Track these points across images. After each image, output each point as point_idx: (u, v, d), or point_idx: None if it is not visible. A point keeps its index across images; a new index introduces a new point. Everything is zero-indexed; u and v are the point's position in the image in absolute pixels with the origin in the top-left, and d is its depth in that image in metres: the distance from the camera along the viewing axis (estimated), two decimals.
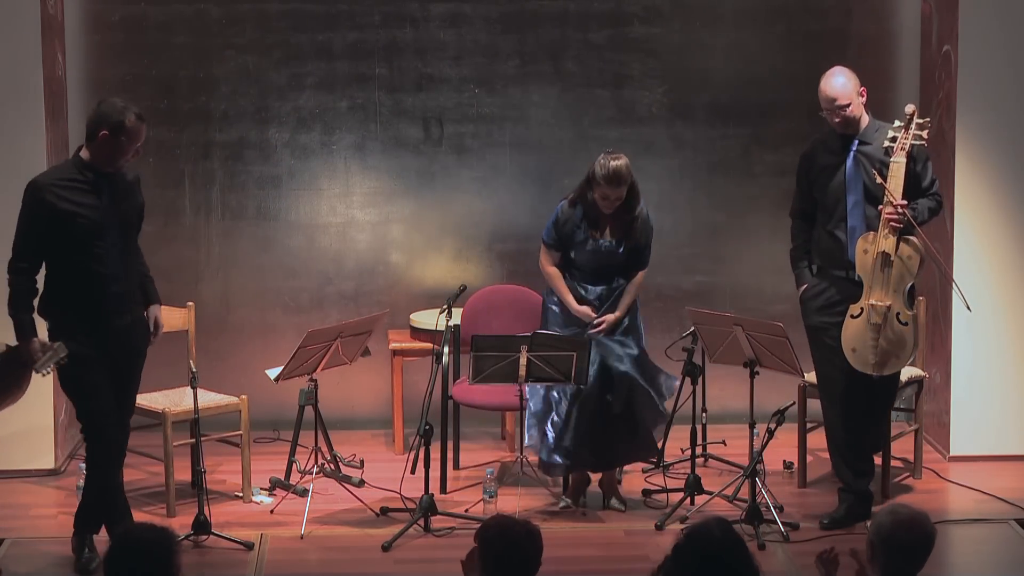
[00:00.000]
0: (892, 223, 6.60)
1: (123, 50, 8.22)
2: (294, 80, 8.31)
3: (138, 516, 6.86)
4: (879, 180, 6.63)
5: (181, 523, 6.72)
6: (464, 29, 8.33)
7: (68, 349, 6.08)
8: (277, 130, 8.34)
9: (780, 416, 6.65)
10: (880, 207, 6.65)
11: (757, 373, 6.81)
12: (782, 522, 6.73)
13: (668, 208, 8.39)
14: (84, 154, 6.22)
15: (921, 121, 6.71)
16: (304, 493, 7.08)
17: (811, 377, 7.39)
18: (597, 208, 6.99)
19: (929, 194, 6.80)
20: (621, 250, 7.06)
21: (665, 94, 8.39)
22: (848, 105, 6.74)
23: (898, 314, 6.64)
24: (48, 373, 6.12)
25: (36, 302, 6.25)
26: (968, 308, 6.96)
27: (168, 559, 4.22)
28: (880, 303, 6.64)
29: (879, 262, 6.64)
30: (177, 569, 4.24)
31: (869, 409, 6.88)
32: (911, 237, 6.64)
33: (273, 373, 7.06)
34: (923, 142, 6.73)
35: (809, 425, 7.45)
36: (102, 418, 6.29)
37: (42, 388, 7.63)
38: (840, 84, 6.75)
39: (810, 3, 8.37)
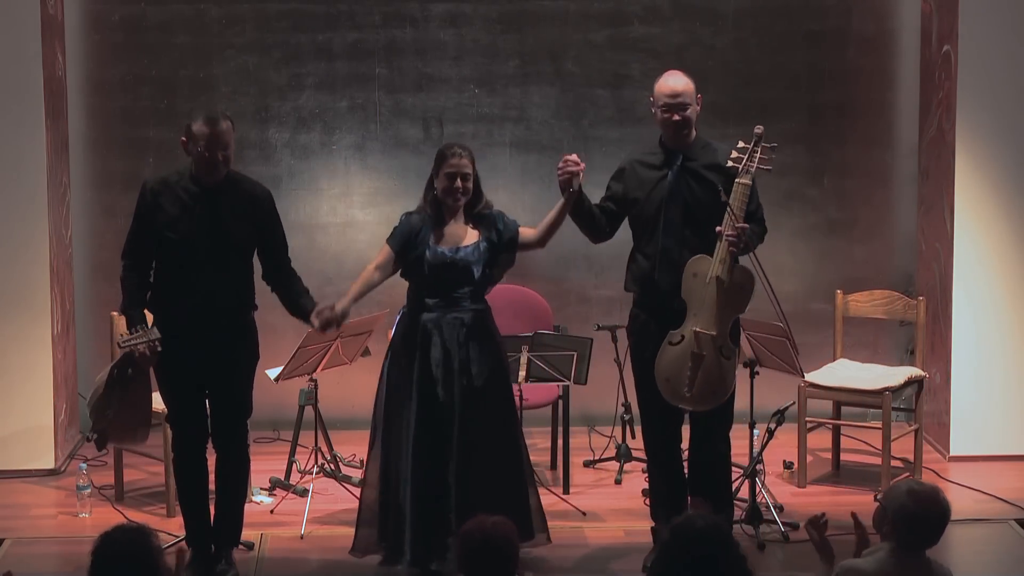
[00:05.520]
0: (732, 247, 6.08)
1: (123, 50, 8.23)
2: (294, 80, 8.31)
3: (138, 516, 6.88)
4: (724, 197, 6.08)
5: (181, 523, 6.72)
6: (464, 29, 8.33)
7: (161, 343, 6.03)
8: (277, 130, 8.34)
9: (780, 416, 6.66)
10: (718, 228, 6.08)
11: (757, 373, 6.80)
12: (782, 522, 6.73)
13: None
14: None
15: (769, 145, 6.20)
16: (304, 493, 7.08)
17: (811, 377, 7.41)
18: (441, 209, 6.33)
19: (756, 219, 6.27)
20: (475, 257, 6.27)
21: None
22: (689, 106, 6.22)
23: (722, 347, 6.13)
24: (127, 347, 6.00)
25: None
26: (802, 375, 6.79)
27: (150, 558, 4.21)
28: (705, 332, 6.10)
29: (711, 288, 6.10)
30: (161, 569, 4.23)
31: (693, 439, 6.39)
32: (744, 266, 6.13)
33: (273, 373, 7.07)
34: (769, 168, 6.21)
35: (809, 425, 7.46)
36: (174, 416, 6.27)
37: (42, 388, 7.64)
38: (684, 81, 6.23)
39: (810, 3, 8.38)
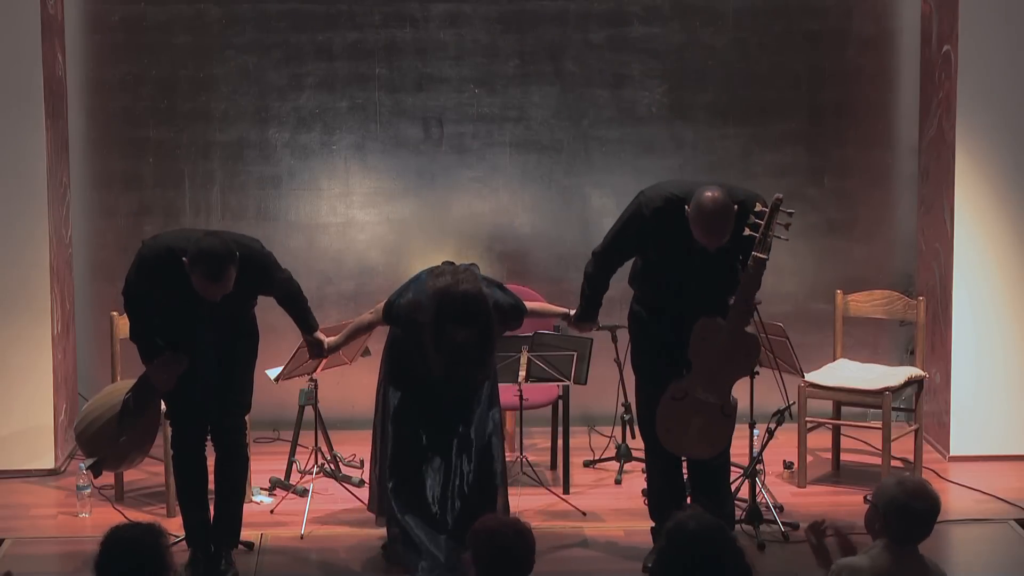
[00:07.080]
0: (743, 320, 6.10)
1: (123, 50, 8.22)
2: (294, 80, 8.31)
3: (138, 516, 6.86)
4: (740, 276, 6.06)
5: (181, 523, 6.71)
6: (464, 29, 8.32)
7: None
8: (277, 130, 8.34)
9: (780, 416, 6.65)
10: (731, 300, 6.10)
11: (757, 373, 6.79)
12: (782, 522, 6.73)
13: None
14: None
15: (787, 211, 6.06)
16: (304, 493, 7.08)
17: (811, 377, 7.41)
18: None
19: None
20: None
21: (665, 94, 8.38)
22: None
23: (723, 407, 6.22)
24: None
25: None
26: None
27: (158, 556, 4.21)
28: (706, 398, 6.21)
29: (719, 356, 6.15)
30: (168, 567, 4.23)
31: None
32: (751, 332, 6.16)
33: (273, 373, 7.07)
34: (786, 238, 6.09)
35: (809, 425, 7.46)
36: (174, 412, 6.31)
37: (42, 388, 7.64)
38: (727, 230, 5.98)
39: (810, 3, 8.37)
